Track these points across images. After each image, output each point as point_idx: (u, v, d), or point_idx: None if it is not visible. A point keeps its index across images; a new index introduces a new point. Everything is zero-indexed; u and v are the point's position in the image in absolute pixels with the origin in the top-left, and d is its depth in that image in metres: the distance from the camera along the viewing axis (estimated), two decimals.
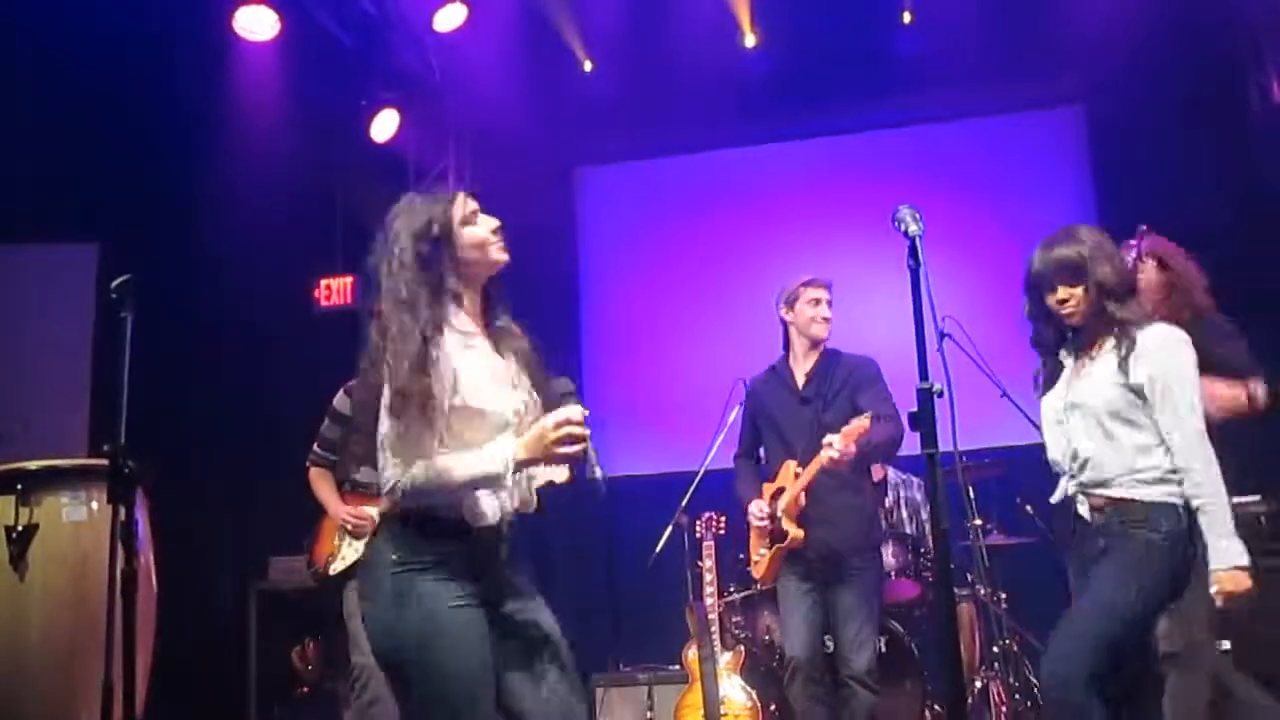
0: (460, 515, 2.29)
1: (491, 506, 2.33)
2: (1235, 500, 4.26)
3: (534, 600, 2.42)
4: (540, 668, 2.35)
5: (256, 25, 5.76)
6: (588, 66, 6.53)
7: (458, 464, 2.24)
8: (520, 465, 2.29)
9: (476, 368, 2.34)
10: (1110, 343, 2.91)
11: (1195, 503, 2.77)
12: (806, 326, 4.20)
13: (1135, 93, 6.06)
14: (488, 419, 2.31)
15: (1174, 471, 2.81)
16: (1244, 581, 2.72)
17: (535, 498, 2.55)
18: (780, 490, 4.10)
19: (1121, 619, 2.75)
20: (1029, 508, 5.25)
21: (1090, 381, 2.93)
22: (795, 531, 4.01)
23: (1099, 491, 2.88)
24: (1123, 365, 2.85)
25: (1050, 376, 3.08)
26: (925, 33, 6.19)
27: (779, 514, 4.06)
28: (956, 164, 6.46)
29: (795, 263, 6.18)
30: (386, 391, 2.24)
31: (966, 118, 6.60)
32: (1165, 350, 2.84)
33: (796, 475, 4.01)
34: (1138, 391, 2.83)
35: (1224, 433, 3.66)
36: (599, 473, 2.39)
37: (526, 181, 6.63)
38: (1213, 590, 2.76)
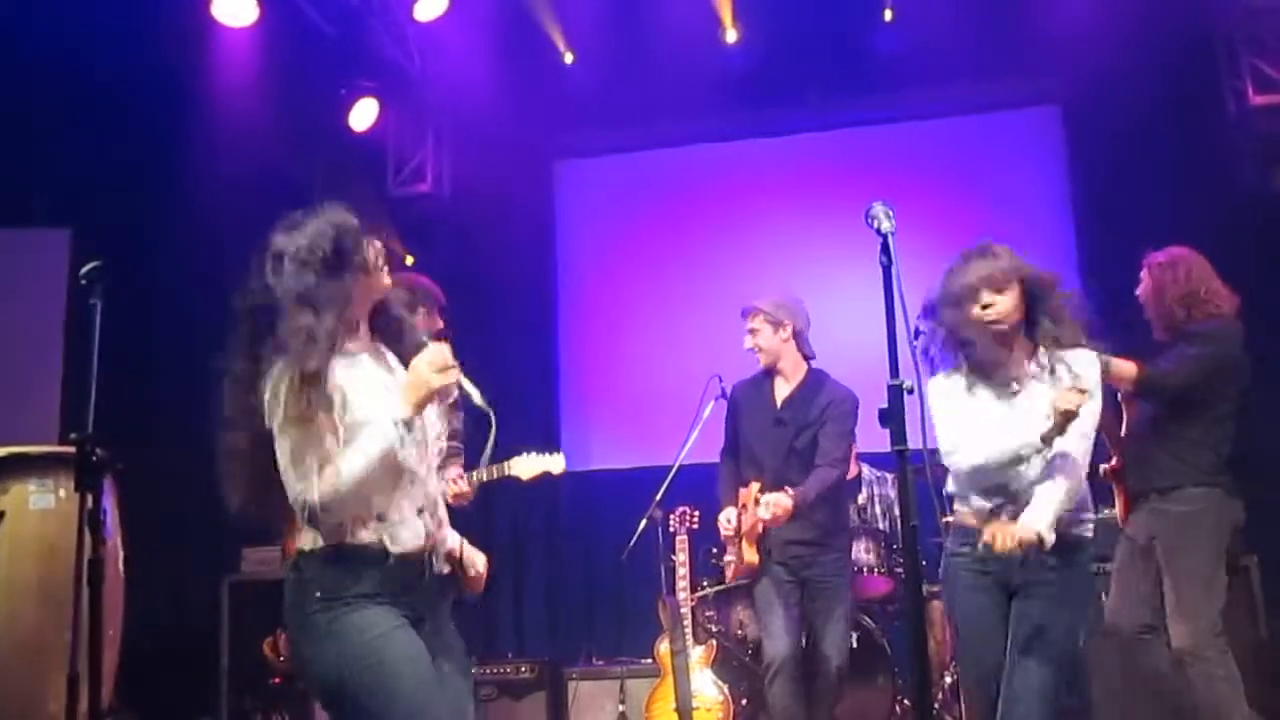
0: (380, 542, 2.25)
1: (413, 531, 2.30)
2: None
3: (448, 629, 2.48)
4: (443, 668, 2.39)
5: (236, 11, 5.72)
6: (569, 59, 6.51)
7: (355, 453, 2.19)
8: (411, 414, 2.23)
9: (361, 382, 2.29)
10: (1037, 369, 2.91)
11: (1052, 490, 2.78)
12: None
13: (1112, 93, 6.10)
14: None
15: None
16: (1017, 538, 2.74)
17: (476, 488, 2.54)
18: (747, 506, 4.15)
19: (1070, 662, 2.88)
20: None
21: (1029, 418, 2.87)
22: (750, 558, 4.08)
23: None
24: (1049, 394, 2.85)
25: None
26: (905, 31, 6.20)
27: (741, 534, 4.11)
28: (934, 162, 6.48)
29: (772, 258, 6.27)
30: (277, 415, 2.17)
31: (945, 116, 6.62)
32: (1094, 387, 2.86)
33: (756, 501, 4.02)
34: (1064, 423, 2.78)
35: (1207, 433, 3.75)
36: (479, 398, 2.35)
37: (505, 173, 6.63)
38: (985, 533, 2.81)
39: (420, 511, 2.32)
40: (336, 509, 2.19)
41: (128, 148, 6.11)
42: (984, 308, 2.86)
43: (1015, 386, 2.94)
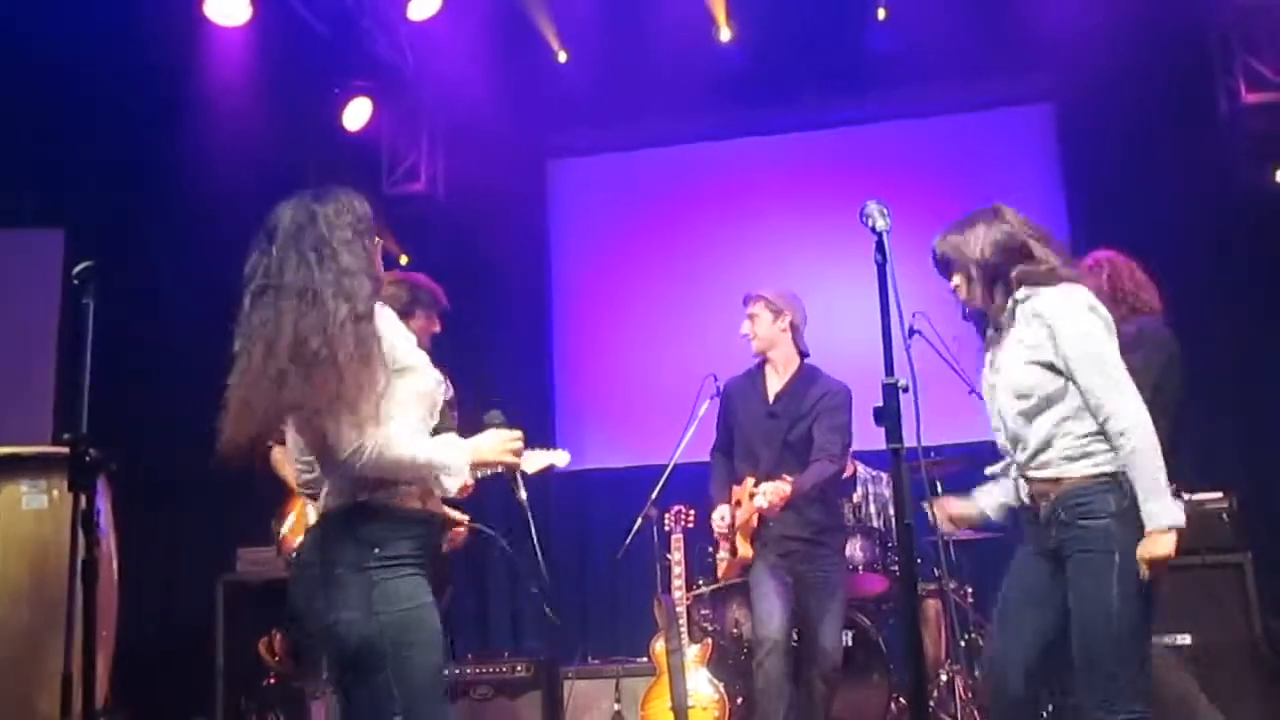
0: (421, 502, 2.28)
1: (450, 489, 2.35)
2: (1198, 497, 4.34)
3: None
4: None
5: (228, 10, 5.70)
6: (562, 58, 6.51)
7: (422, 442, 2.26)
8: (468, 474, 2.34)
9: (398, 330, 2.34)
10: (1011, 317, 2.80)
11: (1126, 464, 2.61)
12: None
13: (1105, 91, 6.11)
14: (420, 376, 2.32)
15: (1099, 438, 2.66)
16: (1169, 544, 2.55)
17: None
18: (741, 502, 4.17)
19: (1128, 634, 2.60)
20: None
21: (1002, 362, 2.82)
22: (745, 551, 4.10)
23: (1030, 474, 2.77)
24: (1025, 340, 2.74)
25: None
26: (899, 29, 6.21)
27: (735, 528, 4.13)
28: (928, 160, 6.49)
29: (766, 257, 6.27)
30: (335, 346, 2.15)
31: (938, 114, 6.63)
32: (1066, 318, 2.69)
33: (751, 495, 4.04)
34: (1047, 366, 2.70)
35: (1185, 427, 3.74)
36: (523, 494, 2.50)
37: (499, 173, 6.63)
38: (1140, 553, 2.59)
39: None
40: (383, 472, 2.20)
41: (121, 148, 6.10)
42: (954, 288, 2.90)
43: (997, 334, 2.89)
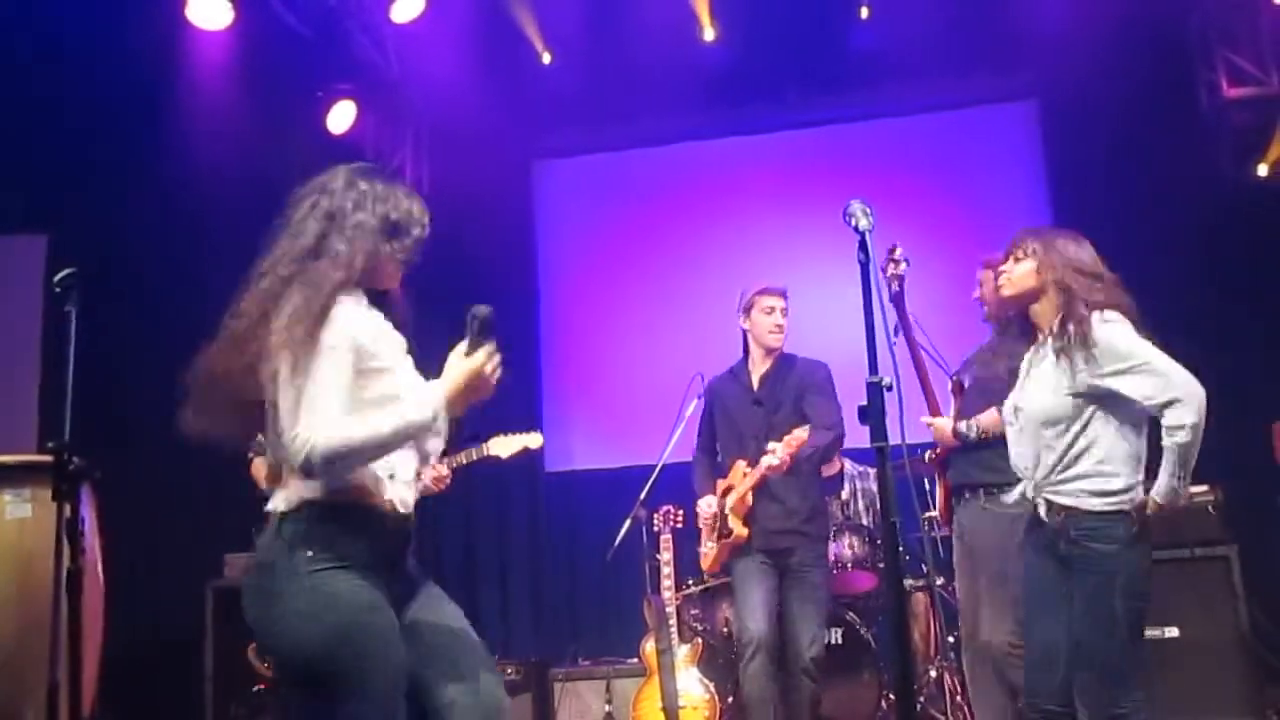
0: (378, 504, 2.15)
1: (410, 494, 2.22)
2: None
3: (434, 591, 2.30)
4: (468, 663, 2.22)
5: (210, 13, 5.67)
6: (546, 59, 6.50)
7: (383, 416, 2.07)
8: (447, 407, 2.15)
9: (383, 332, 2.24)
10: (1052, 339, 2.85)
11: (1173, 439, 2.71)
12: (761, 335, 4.30)
13: (1088, 88, 6.14)
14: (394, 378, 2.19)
15: (1116, 477, 2.77)
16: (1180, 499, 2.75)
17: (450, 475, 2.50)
18: (731, 488, 4.23)
19: (1120, 639, 2.75)
20: None
21: (1034, 386, 2.90)
22: (740, 530, 4.14)
23: (1048, 496, 2.86)
24: (1064, 367, 2.80)
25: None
26: (882, 28, 6.22)
27: (727, 511, 4.17)
28: (912, 158, 6.51)
29: (752, 257, 6.26)
30: (288, 347, 2.06)
31: (922, 112, 6.65)
32: (1106, 344, 2.75)
33: (745, 475, 4.13)
34: (1083, 395, 2.78)
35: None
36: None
37: (484, 174, 6.62)
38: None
39: (418, 475, 2.27)
40: (341, 469, 2.06)
41: (104, 152, 6.06)
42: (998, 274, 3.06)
43: (1039, 350, 2.97)
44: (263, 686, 5.38)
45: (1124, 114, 6.03)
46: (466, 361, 2.19)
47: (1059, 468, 2.83)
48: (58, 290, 2.87)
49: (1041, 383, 2.88)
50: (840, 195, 2.68)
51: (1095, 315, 2.78)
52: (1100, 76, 6.04)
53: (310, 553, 2.07)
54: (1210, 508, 4.52)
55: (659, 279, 6.68)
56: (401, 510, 2.20)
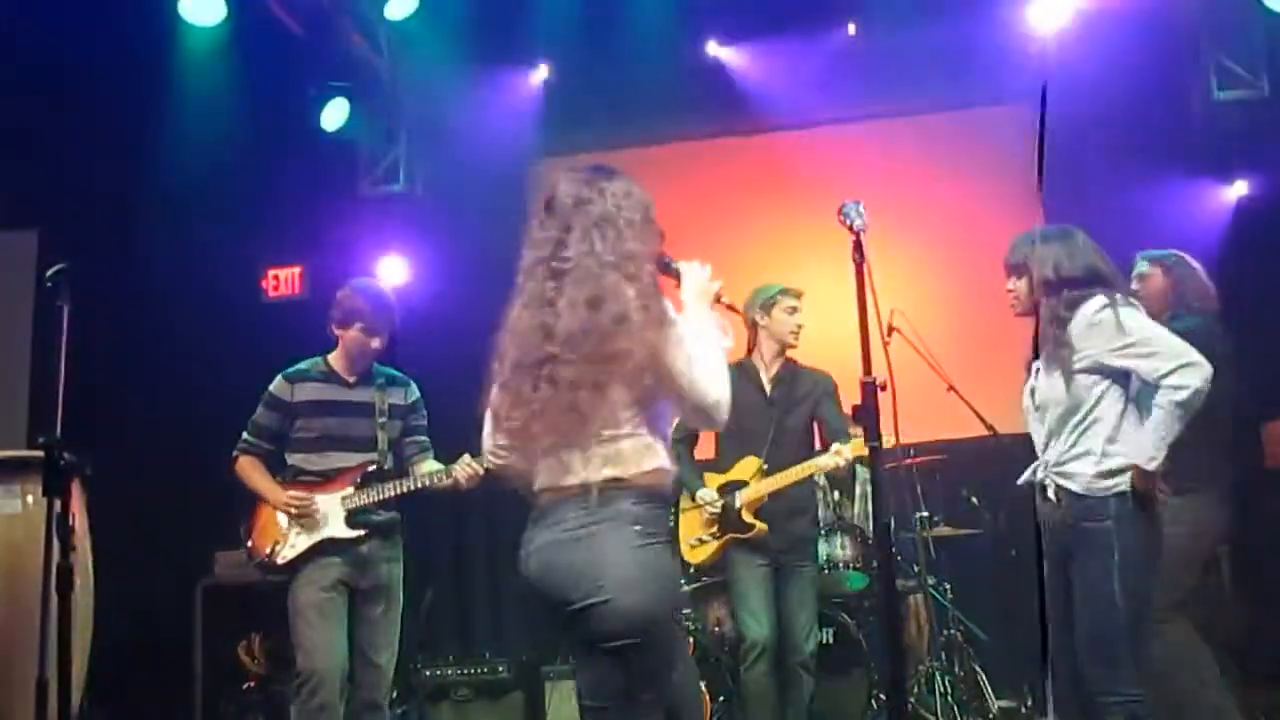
0: (669, 483, 2.30)
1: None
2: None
3: None
4: None
5: (203, 9, 5.65)
6: (541, 57, 6.50)
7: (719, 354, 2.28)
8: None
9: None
10: (1052, 337, 2.98)
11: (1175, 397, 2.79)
12: (781, 333, 4.34)
13: (1079, 91, 6.14)
14: None
15: (1119, 463, 2.86)
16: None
17: None
18: (734, 483, 4.24)
19: (1124, 606, 2.81)
20: (974, 500, 5.33)
21: (1043, 378, 3.03)
22: (760, 525, 4.17)
23: (1058, 481, 2.97)
24: (1060, 359, 2.94)
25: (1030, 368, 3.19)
26: (876, 28, 6.23)
27: (739, 505, 4.19)
28: (906, 160, 6.51)
29: (746, 256, 6.26)
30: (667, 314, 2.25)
31: (916, 114, 6.65)
32: (1091, 334, 2.90)
33: (763, 471, 4.16)
34: (1085, 378, 2.91)
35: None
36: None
37: (477, 173, 6.60)
38: None
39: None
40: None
41: (95, 148, 6.04)
42: (1008, 293, 3.19)
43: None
44: (252, 684, 5.38)
45: (1115, 116, 6.05)
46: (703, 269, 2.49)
47: (1070, 448, 2.93)
48: (48, 286, 2.87)
49: (1050, 369, 3.01)
50: (833, 197, 2.69)
51: (1093, 301, 2.91)
52: (1092, 79, 6.05)
53: (639, 528, 2.22)
54: None
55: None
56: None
